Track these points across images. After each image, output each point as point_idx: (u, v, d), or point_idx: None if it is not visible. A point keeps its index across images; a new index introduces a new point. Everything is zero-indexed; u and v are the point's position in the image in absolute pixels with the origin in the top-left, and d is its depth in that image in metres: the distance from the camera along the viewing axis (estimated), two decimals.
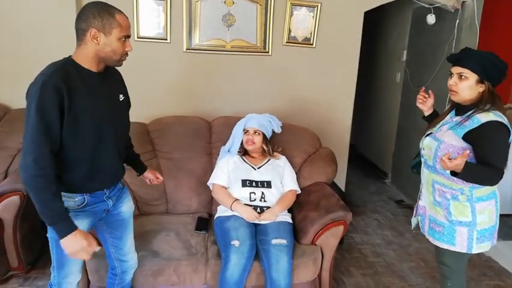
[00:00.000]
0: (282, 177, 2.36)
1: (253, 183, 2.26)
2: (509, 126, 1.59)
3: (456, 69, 1.65)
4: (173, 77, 2.99)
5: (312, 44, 3.11)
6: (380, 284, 2.58)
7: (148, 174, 1.97)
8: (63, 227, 1.40)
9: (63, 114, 1.38)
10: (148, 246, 2.05)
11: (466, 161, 1.54)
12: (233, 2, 2.92)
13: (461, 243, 1.69)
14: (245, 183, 2.25)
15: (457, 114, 1.72)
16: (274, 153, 2.43)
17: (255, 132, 2.34)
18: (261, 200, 2.21)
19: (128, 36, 1.49)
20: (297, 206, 2.33)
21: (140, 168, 1.96)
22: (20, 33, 2.72)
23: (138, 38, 2.85)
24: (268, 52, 3.06)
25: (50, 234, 1.55)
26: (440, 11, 3.38)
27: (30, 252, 2.45)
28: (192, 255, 2.03)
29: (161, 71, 2.96)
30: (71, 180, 1.49)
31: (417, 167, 1.94)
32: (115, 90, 1.62)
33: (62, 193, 1.48)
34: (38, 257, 2.56)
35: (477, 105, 1.63)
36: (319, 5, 3.02)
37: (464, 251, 1.70)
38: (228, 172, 2.31)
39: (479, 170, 1.58)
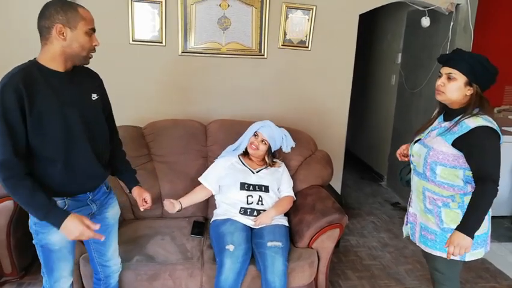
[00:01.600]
0: (280, 183, 2.35)
1: (251, 186, 2.25)
2: (498, 130, 1.56)
3: (445, 70, 1.62)
4: (168, 80, 2.98)
5: (307, 47, 3.11)
6: (376, 287, 2.57)
7: (134, 194, 1.82)
8: (54, 216, 1.40)
9: (25, 116, 1.36)
10: (143, 250, 2.04)
11: (463, 221, 1.56)
12: (228, 5, 2.92)
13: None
14: (243, 186, 2.24)
15: (445, 119, 1.69)
16: (274, 164, 2.41)
17: (262, 141, 2.33)
18: (258, 203, 2.20)
19: (94, 30, 1.47)
20: (293, 209, 2.33)
21: (130, 184, 1.84)
22: (18, 36, 2.69)
23: (133, 41, 2.84)
24: (263, 55, 3.06)
25: (35, 240, 1.54)
26: (435, 14, 3.40)
27: (24, 258, 2.43)
28: (187, 259, 2.02)
29: (156, 74, 2.95)
30: (48, 183, 1.46)
31: (409, 179, 1.90)
32: (86, 90, 1.56)
33: None
34: (32, 262, 2.53)
35: (465, 109, 1.60)
36: (314, 8, 3.02)
37: (457, 258, 1.66)
38: (218, 175, 2.31)
39: (478, 207, 1.55)
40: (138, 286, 1.94)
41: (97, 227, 1.45)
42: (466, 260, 1.67)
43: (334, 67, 3.21)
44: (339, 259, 2.87)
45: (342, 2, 3.08)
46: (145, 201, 1.81)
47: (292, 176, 2.49)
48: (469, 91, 1.60)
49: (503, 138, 3.78)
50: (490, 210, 1.69)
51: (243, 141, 2.38)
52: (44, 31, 1.42)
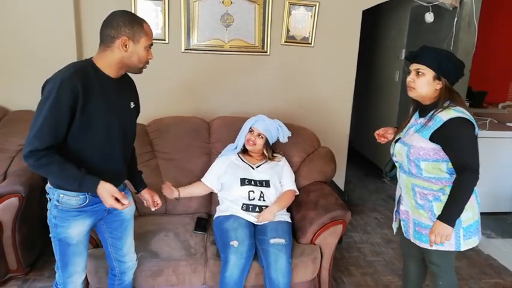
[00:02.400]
0: (281, 177, 2.36)
1: (252, 182, 2.26)
2: (472, 120, 1.60)
3: (414, 66, 1.67)
4: (172, 78, 2.99)
5: (310, 43, 3.11)
6: (380, 283, 2.58)
7: (145, 195, 1.89)
8: (89, 184, 1.44)
9: (74, 115, 1.40)
10: (147, 246, 2.05)
11: (443, 211, 1.60)
12: (231, 2, 2.92)
13: (449, 242, 1.68)
14: (244, 181, 2.25)
15: (420, 116, 1.73)
16: (274, 158, 2.42)
17: (259, 135, 2.34)
18: (259, 199, 2.21)
19: (152, 45, 1.54)
20: (296, 206, 2.33)
21: (140, 186, 1.90)
22: (17, 36, 2.71)
23: None
24: (266, 52, 3.06)
25: (53, 233, 1.57)
26: (439, 9, 3.38)
27: (29, 254, 2.46)
28: (191, 255, 2.03)
29: (160, 72, 2.95)
30: None
31: (394, 174, 1.93)
32: (127, 97, 1.66)
33: (64, 192, 1.52)
34: (37, 259, 2.56)
35: (436, 103, 1.65)
36: (317, 4, 3.02)
37: (452, 249, 1.71)
38: (219, 174, 2.32)
39: (456, 198, 1.60)
40: (142, 282, 1.96)
41: (127, 202, 1.49)
42: (462, 249, 1.70)
43: (337, 64, 3.20)
44: (342, 255, 2.87)
45: None
46: (155, 202, 1.88)
47: (295, 173, 2.49)
48: (438, 85, 1.64)
49: (508, 133, 3.74)
50: (479, 198, 1.75)
51: (240, 139, 2.39)
52: (107, 39, 1.47)
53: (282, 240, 2.01)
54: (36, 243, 2.57)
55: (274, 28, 3.02)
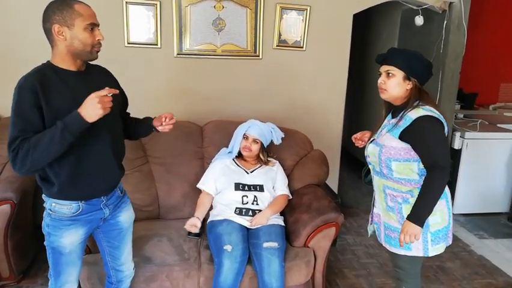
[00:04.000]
0: (275, 182, 2.37)
1: (246, 186, 2.27)
2: (441, 118, 1.61)
3: (384, 68, 1.69)
4: (164, 82, 2.99)
5: (302, 47, 3.13)
6: (374, 285, 2.59)
7: (157, 123, 1.81)
8: (72, 123, 1.34)
9: (43, 115, 1.38)
10: (141, 252, 2.05)
11: (412, 210, 1.60)
12: (223, 7, 2.93)
13: (416, 247, 1.68)
14: (238, 186, 2.26)
15: (393, 117, 1.75)
16: (269, 160, 2.44)
17: (254, 141, 2.34)
18: (253, 203, 2.21)
19: (95, 25, 1.45)
20: (289, 209, 2.34)
21: (150, 126, 1.83)
22: (9, 41, 2.70)
23: (128, 43, 2.85)
24: (258, 56, 3.07)
25: (47, 241, 1.56)
26: (428, 13, 3.42)
27: (21, 261, 2.44)
28: (184, 260, 2.03)
29: (152, 76, 2.96)
30: (63, 183, 1.47)
31: (370, 179, 1.93)
32: (99, 86, 1.48)
33: (56, 201, 1.49)
34: (30, 266, 2.55)
35: (407, 103, 1.67)
36: (308, 8, 3.04)
37: (420, 254, 1.69)
38: (215, 178, 2.32)
39: (425, 197, 1.59)
40: (136, 287, 1.95)
41: (109, 91, 1.39)
42: (429, 255, 1.70)
43: (329, 67, 3.22)
44: (336, 258, 2.88)
45: (336, 2, 3.10)
46: (166, 118, 1.80)
47: (288, 176, 2.50)
48: (408, 85, 1.66)
49: (498, 134, 3.78)
50: (451, 206, 1.74)
51: (235, 146, 2.39)
52: (47, 34, 1.44)
53: (275, 244, 2.01)
54: (29, 250, 2.55)
55: (266, 32, 3.03)
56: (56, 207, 1.51)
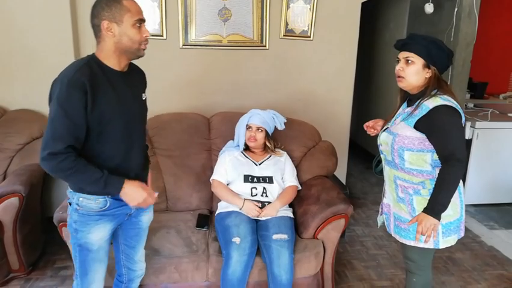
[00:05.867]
0: (283, 173, 2.35)
1: (255, 178, 2.25)
2: (458, 108, 1.56)
3: (403, 54, 1.63)
4: (170, 74, 2.97)
5: (309, 37, 3.08)
6: (383, 276, 2.57)
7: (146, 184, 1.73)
8: (112, 185, 1.40)
9: (87, 112, 1.35)
10: (149, 244, 2.03)
11: (429, 202, 1.55)
12: None
13: (427, 239, 1.64)
14: (247, 178, 2.24)
15: (408, 105, 1.70)
16: (276, 150, 2.42)
17: (258, 129, 2.32)
18: (262, 195, 2.20)
19: (143, 21, 1.44)
20: (298, 200, 2.32)
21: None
22: (14, 35, 2.69)
23: None
24: (265, 46, 3.03)
25: (73, 239, 1.53)
26: (438, 0, 3.35)
27: (31, 254, 2.45)
28: (193, 252, 2.02)
29: (158, 68, 2.94)
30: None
31: (381, 169, 1.89)
32: (138, 90, 1.59)
33: (83, 195, 1.46)
34: (39, 258, 2.56)
35: (424, 92, 1.61)
36: None
37: (431, 246, 1.66)
38: (226, 168, 2.30)
39: (441, 189, 1.54)
40: (144, 279, 1.95)
41: (155, 194, 1.48)
42: (440, 247, 1.66)
43: (337, 57, 3.17)
44: (345, 249, 2.87)
45: None
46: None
47: (297, 167, 2.47)
48: (427, 74, 1.61)
49: (510, 124, 3.72)
50: (463, 197, 1.69)
51: (240, 139, 2.36)
52: (95, 29, 1.41)
53: (285, 236, 2.00)
54: (38, 243, 2.57)
55: (273, 22, 2.99)
56: (83, 202, 1.47)
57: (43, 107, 2.77)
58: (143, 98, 1.61)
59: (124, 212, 1.57)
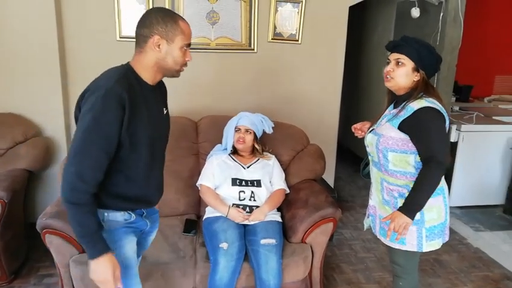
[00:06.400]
0: (271, 176, 2.34)
1: (243, 182, 2.23)
2: (443, 111, 1.58)
3: (394, 56, 1.65)
4: None
5: (297, 40, 3.08)
6: (371, 280, 2.58)
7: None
8: (95, 247, 1.26)
9: (121, 130, 1.25)
10: None
11: (404, 201, 1.57)
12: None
13: (411, 242, 1.66)
14: (235, 181, 2.22)
15: (395, 107, 1.72)
16: (265, 154, 2.41)
17: (247, 131, 2.31)
18: (250, 199, 2.18)
19: (189, 45, 1.39)
20: (286, 204, 2.31)
21: None
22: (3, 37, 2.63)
23: (120, 37, 2.79)
24: (253, 49, 3.02)
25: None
26: (425, 4, 3.38)
27: (13, 261, 2.39)
28: (180, 258, 2.00)
29: None
30: (122, 196, 1.38)
31: (368, 171, 1.90)
32: (162, 105, 1.51)
33: (108, 210, 1.38)
34: (22, 266, 2.49)
35: (411, 94, 1.63)
36: (303, 1, 2.99)
37: (414, 249, 1.67)
38: (213, 172, 2.28)
39: (418, 188, 1.55)
40: None
41: (120, 286, 1.34)
42: (424, 250, 1.67)
43: (325, 60, 3.18)
44: (333, 253, 2.87)
45: None
46: None
47: (285, 171, 2.47)
48: (416, 77, 1.63)
49: (494, 127, 3.77)
50: (448, 201, 1.71)
51: (228, 141, 2.35)
52: (140, 39, 1.34)
53: (273, 241, 1.99)
54: (21, 250, 2.50)
55: (261, 25, 2.98)
56: (109, 217, 1.38)
57: (26, 111, 2.72)
58: (165, 113, 1.53)
59: (141, 227, 1.50)
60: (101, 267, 1.27)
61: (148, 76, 1.37)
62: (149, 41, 1.32)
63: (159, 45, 1.32)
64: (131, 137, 1.28)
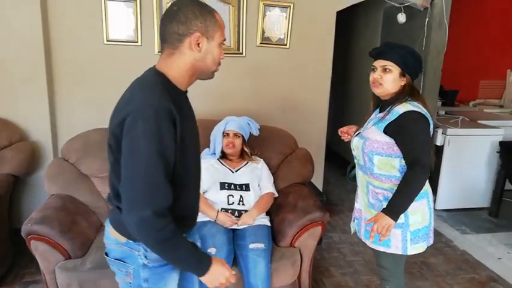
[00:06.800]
0: (260, 180, 2.34)
1: (232, 186, 2.23)
2: (427, 115, 1.61)
3: (380, 63, 1.66)
4: None
5: (285, 45, 3.10)
6: (360, 283, 2.59)
7: None
8: (201, 264, 1.17)
9: (176, 147, 1.11)
10: None
11: (388, 203, 1.59)
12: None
13: (395, 245, 1.68)
14: (223, 186, 2.22)
15: (381, 111, 1.74)
16: (253, 157, 2.41)
17: (235, 135, 2.31)
18: (239, 204, 2.18)
19: (225, 40, 1.24)
20: (275, 208, 2.31)
21: None
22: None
23: (108, 41, 2.77)
24: (242, 53, 3.03)
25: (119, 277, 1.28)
26: (411, 10, 3.44)
27: None
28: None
29: (132, 75, 2.82)
30: (186, 215, 1.28)
31: (354, 175, 1.92)
32: (192, 113, 1.35)
33: None
34: (8, 272, 2.44)
35: (396, 98, 1.66)
36: (291, 5, 3.01)
37: (399, 252, 1.69)
38: (202, 177, 2.27)
39: (401, 190, 1.57)
40: None
41: (233, 272, 1.26)
42: (408, 253, 1.69)
43: (313, 64, 3.20)
44: (322, 256, 2.88)
45: None
46: None
47: (274, 175, 2.47)
48: (402, 82, 1.66)
49: (479, 131, 3.82)
50: (432, 204, 1.73)
51: (216, 146, 2.35)
52: (173, 38, 1.14)
53: (262, 245, 1.99)
54: (6, 256, 2.45)
55: (250, 29, 2.99)
56: (153, 253, 1.19)
57: (11, 115, 2.68)
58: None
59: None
60: (216, 274, 1.19)
61: (182, 81, 1.19)
62: (187, 40, 1.13)
63: (199, 43, 1.14)
64: (183, 153, 1.14)
